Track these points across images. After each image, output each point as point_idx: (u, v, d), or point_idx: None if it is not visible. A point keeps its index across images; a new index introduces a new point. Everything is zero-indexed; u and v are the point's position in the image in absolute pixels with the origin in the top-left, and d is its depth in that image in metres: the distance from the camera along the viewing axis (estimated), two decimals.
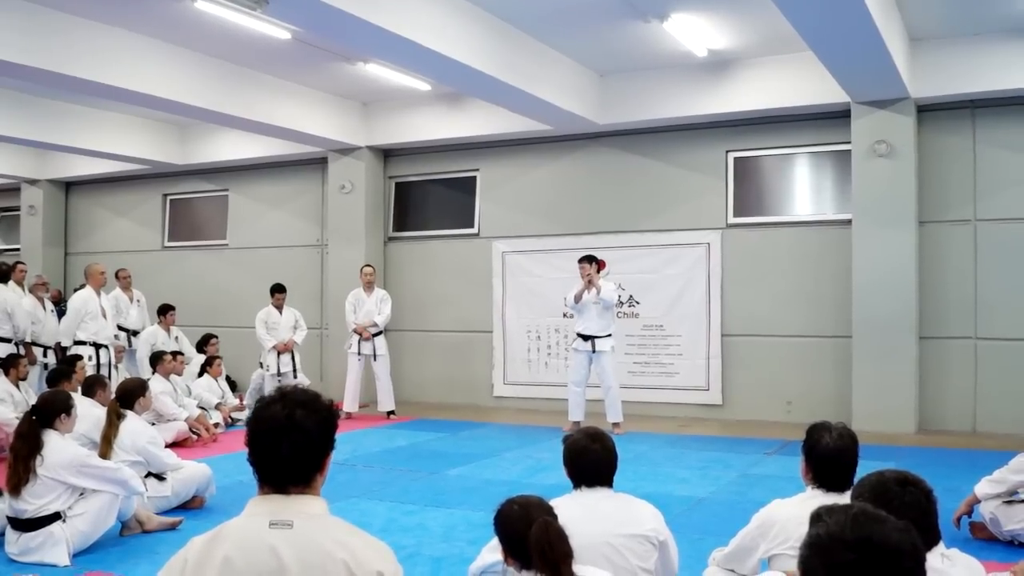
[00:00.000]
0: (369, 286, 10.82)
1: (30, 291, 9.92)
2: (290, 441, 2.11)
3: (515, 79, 9.03)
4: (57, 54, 8.39)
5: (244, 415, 10.45)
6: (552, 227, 11.55)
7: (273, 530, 2.06)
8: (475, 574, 3.40)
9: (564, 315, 10.80)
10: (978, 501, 5.09)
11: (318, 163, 12.92)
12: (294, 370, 10.87)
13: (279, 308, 11.00)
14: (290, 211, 13.39)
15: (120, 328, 10.46)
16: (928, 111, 9.61)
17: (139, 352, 10.38)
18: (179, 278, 13.89)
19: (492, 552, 3.22)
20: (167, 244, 14.64)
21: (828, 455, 3.27)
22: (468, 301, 12.03)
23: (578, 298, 9.42)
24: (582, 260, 9.51)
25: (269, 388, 10.81)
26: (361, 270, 10.97)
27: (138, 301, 11.02)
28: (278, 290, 11.05)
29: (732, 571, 3.49)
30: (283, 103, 10.93)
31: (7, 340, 9.25)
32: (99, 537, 5.06)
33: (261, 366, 11.11)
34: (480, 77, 8.71)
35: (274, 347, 10.76)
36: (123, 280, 10.94)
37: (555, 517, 2.87)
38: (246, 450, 2.17)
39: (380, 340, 10.75)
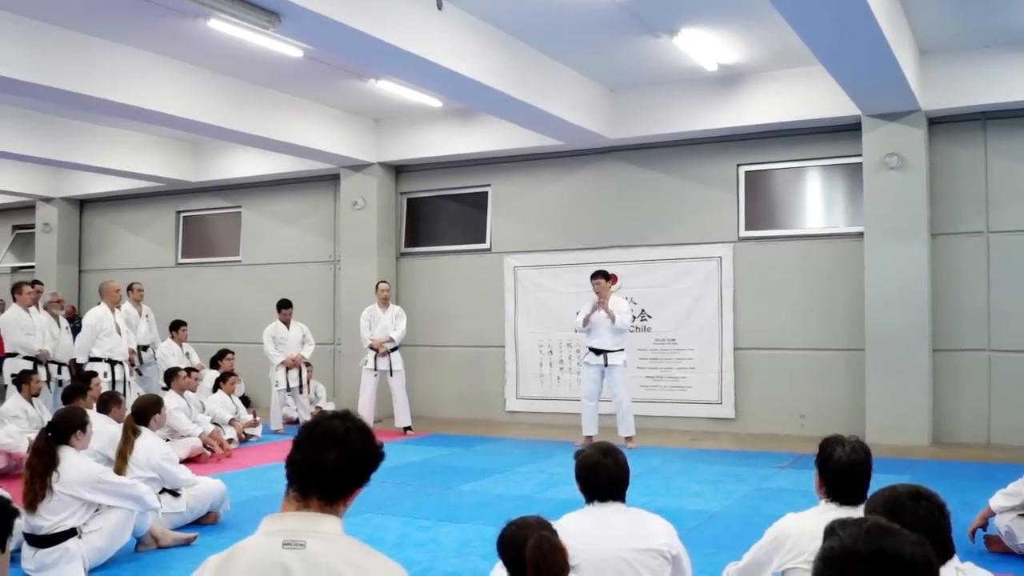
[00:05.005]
0: (385, 302, 10.86)
1: (45, 308, 10.01)
2: (338, 453, 2.19)
3: (526, 95, 9.07)
4: (71, 73, 8.48)
5: (258, 431, 10.49)
6: (564, 242, 11.56)
7: (286, 550, 2.07)
8: None
9: (576, 330, 10.80)
10: (993, 514, 5.06)
11: (330, 179, 12.98)
12: (301, 385, 10.93)
13: (286, 323, 11.09)
14: (303, 227, 13.46)
15: None
16: (939, 123, 9.60)
17: (161, 364, 10.42)
18: (192, 295, 13.97)
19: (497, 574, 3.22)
20: (180, 261, 14.73)
21: (841, 469, 3.26)
22: (480, 316, 12.04)
23: (586, 321, 9.45)
24: (595, 276, 9.52)
25: (280, 403, 10.89)
26: (377, 286, 10.99)
27: (146, 316, 11.07)
28: (285, 305, 11.16)
29: None
30: (295, 120, 11.01)
31: (29, 358, 9.38)
32: (114, 553, 5.09)
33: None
34: (491, 93, 8.76)
35: (282, 363, 10.82)
36: (136, 292, 10.99)
37: (553, 533, 2.87)
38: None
39: (396, 356, 10.77)
